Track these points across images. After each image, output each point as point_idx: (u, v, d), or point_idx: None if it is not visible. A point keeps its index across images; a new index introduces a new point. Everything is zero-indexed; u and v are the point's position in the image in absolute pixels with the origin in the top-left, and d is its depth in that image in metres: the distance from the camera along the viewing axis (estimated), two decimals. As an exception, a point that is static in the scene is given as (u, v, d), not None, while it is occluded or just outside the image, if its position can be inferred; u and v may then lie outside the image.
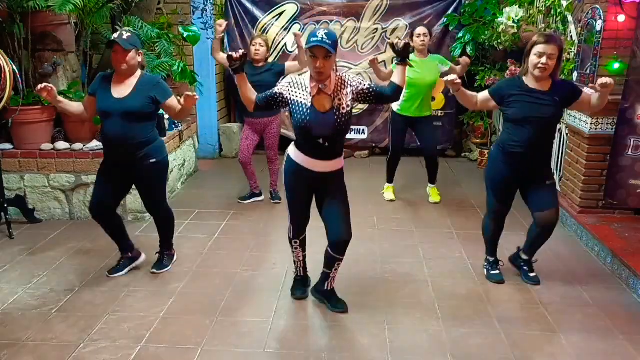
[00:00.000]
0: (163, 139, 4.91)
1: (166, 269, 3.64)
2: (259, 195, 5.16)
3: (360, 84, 2.87)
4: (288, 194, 3.07)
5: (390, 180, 5.25)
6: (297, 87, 2.85)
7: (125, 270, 3.58)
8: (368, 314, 3.12)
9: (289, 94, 2.85)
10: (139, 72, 3.29)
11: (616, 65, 4.06)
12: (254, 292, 3.36)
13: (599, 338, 2.89)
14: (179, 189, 5.48)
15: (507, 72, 5.40)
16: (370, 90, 2.86)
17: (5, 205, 4.25)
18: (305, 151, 2.89)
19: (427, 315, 3.10)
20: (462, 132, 6.96)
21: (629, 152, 4.09)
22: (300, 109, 2.81)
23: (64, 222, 4.53)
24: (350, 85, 2.85)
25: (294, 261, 3.29)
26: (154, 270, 3.60)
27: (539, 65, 3.05)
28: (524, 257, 3.54)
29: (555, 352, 2.77)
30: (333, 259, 3.05)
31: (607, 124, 4.17)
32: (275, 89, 2.89)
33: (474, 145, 6.71)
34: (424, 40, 4.70)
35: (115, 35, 3.18)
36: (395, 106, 4.88)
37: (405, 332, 2.93)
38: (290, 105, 2.85)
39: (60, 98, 3.33)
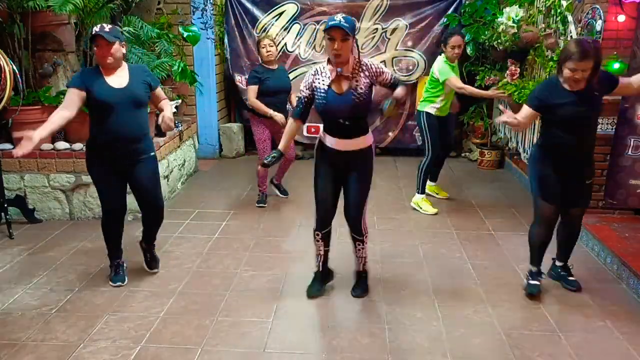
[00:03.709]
0: (162, 138, 4.98)
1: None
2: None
3: (381, 69, 3.01)
4: (314, 178, 3.16)
5: (423, 190, 4.89)
6: (319, 74, 3.02)
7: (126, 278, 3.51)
8: (368, 314, 3.12)
9: (314, 83, 3.01)
10: (124, 63, 3.26)
11: (616, 65, 4.06)
12: (254, 292, 3.36)
13: (599, 338, 2.89)
14: (179, 189, 5.48)
15: (507, 72, 5.40)
16: (391, 79, 3.06)
17: (5, 205, 4.25)
18: (330, 132, 3.05)
19: (427, 315, 3.10)
20: (462, 132, 6.96)
21: (629, 152, 4.09)
22: (320, 93, 2.99)
23: (64, 222, 4.53)
24: (369, 70, 2.97)
25: (316, 254, 3.32)
26: (156, 270, 3.59)
27: (573, 79, 2.97)
28: (559, 263, 3.50)
29: (555, 352, 2.77)
30: (352, 237, 3.25)
31: (607, 124, 4.16)
32: (302, 94, 3.06)
33: (474, 145, 6.71)
34: (458, 53, 4.64)
35: (97, 28, 3.07)
36: (432, 109, 4.73)
37: (405, 332, 2.93)
38: (314, 94, 3.03)
39: (42, 134, 2.94)
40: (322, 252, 3.29)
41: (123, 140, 3.18)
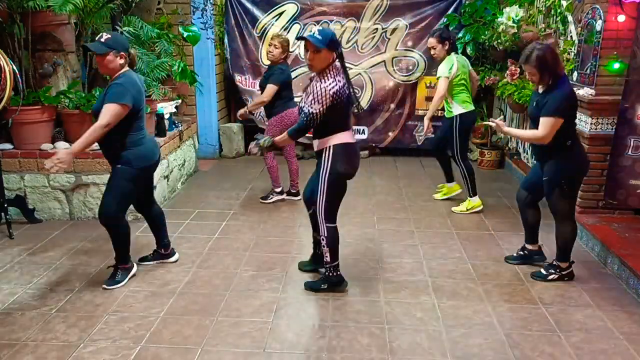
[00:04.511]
0: (162, 139, 4.97)
1: (117, 286, 3.40)
2: (281, 193, 5.14)
3: (309, 94, 3.06)
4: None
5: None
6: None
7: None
8: (368, 314, 3.12)
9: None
10: (124, 72, 3.22)
11: (616, 65, 4.06)
12: (254, 292, 3.36)
13: (599, 338, 2.89)
14: (179, 189, 5.48)
15: (507, 72, 5.40)
16: (299, 110, 3.19)
17: (5, 205, 4.25)
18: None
19: (427, 315, 3.10)
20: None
21: (629, 152, 4.08)
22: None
23: (64, 222, 4.53)
24: (309, 86, 3.12)
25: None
26: (104, 285, 3.40)
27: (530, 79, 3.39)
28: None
29: (555, 352, 2.77)
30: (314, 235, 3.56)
31: (607, 124, 4.16)
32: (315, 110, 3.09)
33: (474, 145, 6.71)
34: (434, 53, 4.71)
35: (97, 38, 3.16)
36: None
37: (405, 332, 2.93)
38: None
39: (78, 150, 3.18)
40: (314, 234, 3.56)
41: (101, 146, 3.34)
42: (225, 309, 3.15)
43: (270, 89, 4.66)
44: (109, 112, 3.10)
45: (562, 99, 3.18)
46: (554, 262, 3.52)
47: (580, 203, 4.36)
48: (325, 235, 3.24)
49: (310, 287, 3.38)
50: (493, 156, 6.35)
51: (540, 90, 3.33)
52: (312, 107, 3.02)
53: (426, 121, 4.87)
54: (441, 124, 5.15)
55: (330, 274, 3.32)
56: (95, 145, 4.38)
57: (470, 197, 4.83)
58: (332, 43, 3.00)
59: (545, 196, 3.43)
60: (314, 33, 3.01)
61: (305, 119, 3.06)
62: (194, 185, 5.67)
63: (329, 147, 3.14)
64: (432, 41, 4.71)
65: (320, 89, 3.00)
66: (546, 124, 3.19)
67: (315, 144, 3.23)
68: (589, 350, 2.79)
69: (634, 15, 3.95)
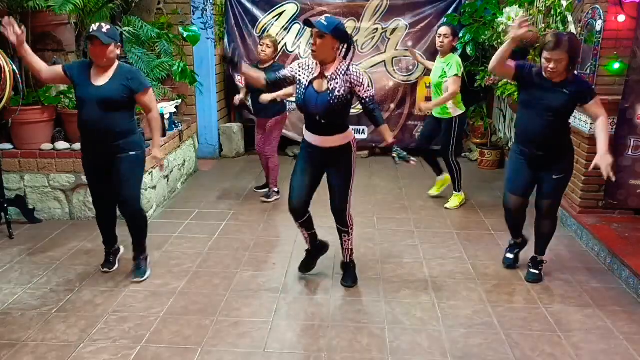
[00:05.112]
0: (162, 138, 4.97)
1: (147, 275, 3.52)
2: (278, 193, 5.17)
3: (361, 80, 3.02)
4: (292, 172, 3.27)
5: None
6: (304, 68, 3.10)
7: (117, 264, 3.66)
8: (368, 313, 3.12)
9: (297, 74, 3.11)
10: (116, 63, 3.28)
11: (616, 65, 4.06)
12: (254, 292, 3.36)
13: (599, 338, 2.89)
14: (179, 189, 5.48)
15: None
16: (366, 101, 3.08)
17: (5, 205, 4.25)
18: (308, 127, 3.18)
19: (427, 315, 3.10)
20: (462, 132, 6.95)
21: (629, 152, 4.09)
22: (300, 87, 3.09)
23: (64, 222, 4.53)
24: (351, 76, 3.01)
25: (305, 239, 3.48)
26: (137, 279, 3.47)
27: (548, 70, 3.11)
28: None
29: (555, 352, 2.77)
30: (338, 229, 3.37)
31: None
32: (284, 71, 3.15)
33: (474, 145, 6.71)
34: (442, 42, 4.68)
35: (95, 27, 3.13)
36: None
37: (405, 332, 2.93)
38: (295, 81, 3.12)
39: (27, 48, 3.20)
40: (306, 236, 3.44)
41: (91, 135, 3.30)
42: (225, 309, 3.15)
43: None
44: (154, 97, 3.35)
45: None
46: (540, 259, 3.54)
47: (580, 203, 4.37)
48: (352, 225, 3.34)
49: (352, 282, 3.44)
50: (493, 156, 6.35)
51: (558, 80, 3.14)
52: (371, 91, 3.09)
53: (430, 105, 4.85)
54: (424, 123, 5.23)
55: (353, 263, 3.47)
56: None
57: (458, 192, 4.98)
58: (337, 31, 2.93)
59: (549, 195, 3.36)
60: (319, 20, 2.94)
61: (377, 104, 3.15)
62: (194, 185, 5.67)
63: (352, 140, 3.18)
64: (446, 29, 4.68)
65: (361, 73, 3.05)
66: (600, 104, 3.19)
67: (333, 140, 3.12)
68: (589, 350, 2.79)
69: (634, 15, 3.95)
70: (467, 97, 5.03)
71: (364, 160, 6.70)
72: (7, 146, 4.50)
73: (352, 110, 3.28)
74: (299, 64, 3.14)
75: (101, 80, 3.23)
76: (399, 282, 3.51)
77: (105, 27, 3.16)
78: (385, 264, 3.77)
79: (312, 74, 3.06)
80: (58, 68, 3.32)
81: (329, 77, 3.01)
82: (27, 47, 3.20)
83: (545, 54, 3.09)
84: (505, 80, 5.52)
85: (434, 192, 5.26)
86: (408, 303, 3.23)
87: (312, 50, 2.97)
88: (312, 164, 3.24)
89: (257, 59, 4.85)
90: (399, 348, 2.78)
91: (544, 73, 3.16)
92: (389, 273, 3.63)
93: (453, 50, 4.75)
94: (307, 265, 3.58)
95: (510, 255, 3.72)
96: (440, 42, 4.68)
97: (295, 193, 3.26)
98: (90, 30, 3.13)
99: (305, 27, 6.47)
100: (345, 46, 3.00)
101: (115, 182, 3.34)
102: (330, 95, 2.99)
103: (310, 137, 3.17)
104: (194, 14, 6.17)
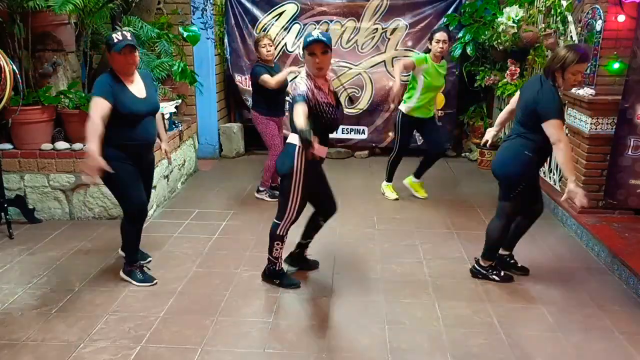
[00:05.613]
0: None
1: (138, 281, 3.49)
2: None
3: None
4: (303, 188, 3.15)
5: (390, 179, 5.26)
6: (313, 90, 2.97)
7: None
8: (368, 314, 3.12)
9: (316, 99, 2.97)
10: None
11: (616, 65, 4.06)
12: (254, 292, 3.36)
13: (599, 338, 2.89)
14: (179, 189, 5.48)
15: (507, 72, 5.41)
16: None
17: (5, 205, 4.24)
18: (321, 141, 3.08)
19: (427, 315, 3.10)
20: (462, 132, 6.96)
21: (629, 152, 4.09)
22: (328, 108, 3.02)
23: (64, 222, 4.52)
24: (330, 84, 3.15)
25: (280, 257, 3.39)
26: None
27: (577, 81, 3.13)
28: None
29: (555, 352, 2.77)
30: (322, 222, 3.51)
31: (607, 124, 4.17)
32: (306, 108, 2.88)
33: (474, 145, 6.71)
34: (442, 48, 4.67)
35: (119, 36, 3.05)
36: (405, 108, 4.90)
37: (405, 332, 2.93)
38: (317, 108, 2.96)
39: (95, 146, 2.86)
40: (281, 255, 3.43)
41: (146, 147, 3.33)
42: (225, 309, 3.15)
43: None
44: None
45: None
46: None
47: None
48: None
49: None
50: (493, 156, 6.33)
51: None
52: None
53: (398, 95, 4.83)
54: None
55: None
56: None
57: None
58: (331, 44, 3.03)
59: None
60: (319, 36, 2.93)
61: None
62: (194, 185, 5.67)
63: None
64: (445, 35, 4.68)
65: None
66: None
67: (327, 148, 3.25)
68: (589, 350, 2.79)
69: (634, 15, 3.95)
70: (467, 97, 5.02)
71: (364, 160, 6.70)
72: (7, 146, 4.50)
73: (352, 111, 3.31)
74: (310, 89, 2.95)
75: (139, 91, 3.20)
76: (399, 282, 3.51)
77: (129, 35, 3.12)
78: (385, 264, 3.77)
79: (321, 91, 3.02)
80: (103, 107, 2.98)
81: (332, 90, 3.14)
82: (97, 149, 2.86)
83: (577, 67, 3.01)
84: (505, 80, 5.53)
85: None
86: (408, 303, 3.23)
87: (319, 68, 2.95)
88: (317, 175, 3.30)
89: (260, 59, 4.83)
90: (399, 348, 2.78)
91: (567, 88, 3.19)
92: (389, 273, 3.63)
93: None
94: (292, 261, 3.68)
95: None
96: (441, 47, 4.67)
97: (302, 209, 3.28)
98: (121, 40, 3.02)
99: (306, 27, 6.50)
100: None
101: (147, 187, 3.46)
102: (340, 105, 3.14)
103: (322, 152, 3.11)
104: (194, 14, 6.17)
